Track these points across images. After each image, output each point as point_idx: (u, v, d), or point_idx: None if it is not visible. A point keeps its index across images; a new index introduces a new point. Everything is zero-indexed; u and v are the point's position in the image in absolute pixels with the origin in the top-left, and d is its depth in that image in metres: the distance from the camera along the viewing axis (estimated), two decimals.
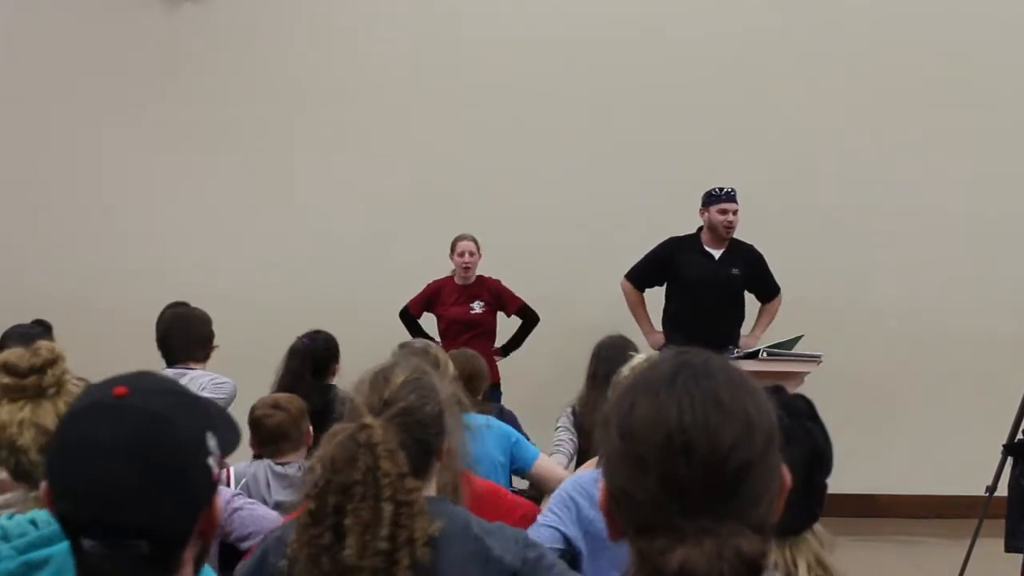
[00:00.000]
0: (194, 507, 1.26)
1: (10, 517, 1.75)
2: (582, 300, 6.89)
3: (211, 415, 1.32)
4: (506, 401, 5.76)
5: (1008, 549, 4.67)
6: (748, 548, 1.03)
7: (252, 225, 7.20)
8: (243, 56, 7.26)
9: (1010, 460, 4.83)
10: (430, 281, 6.46)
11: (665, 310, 6.34)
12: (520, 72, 7.12)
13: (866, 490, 6.64)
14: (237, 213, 7.19)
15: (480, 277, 6.44)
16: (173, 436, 1.23)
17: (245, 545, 2.95)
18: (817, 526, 1.82)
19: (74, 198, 7.20)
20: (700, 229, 6.29)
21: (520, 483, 4.31)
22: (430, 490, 1.98)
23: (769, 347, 5.86)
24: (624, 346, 4.49)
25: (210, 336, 4.50)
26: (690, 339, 6.70)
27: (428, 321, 6.47)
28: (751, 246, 6.30)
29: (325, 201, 7.15)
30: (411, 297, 6.44)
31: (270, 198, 7.20)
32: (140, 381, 1.29)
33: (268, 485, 3.40)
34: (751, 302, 6.37)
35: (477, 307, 6.34)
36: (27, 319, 4.88)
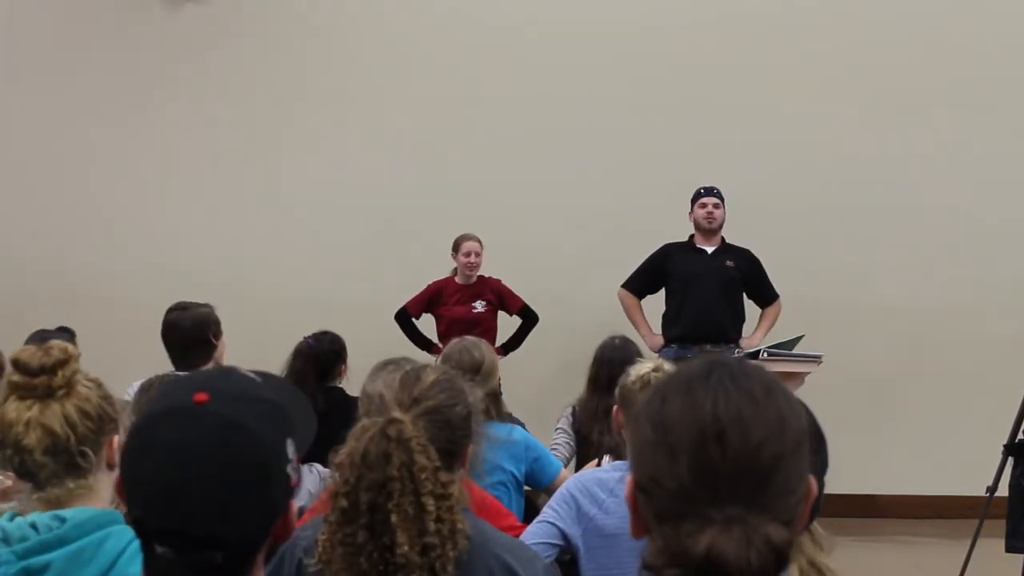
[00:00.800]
0: (271, 517, 1.23)
1: (11, 518, 1.75)
2: (582, 300, 6.89)
3: (290, 419, 1.27)
4: (506, 401, 5.73)
5: (1008, 549, 4.67)
6: (777, 536, 1.03)
7: (251, 225, 7.20)
8: (244, 56, 7.26)
9: (1011, 460, 4.83)
10: (430, 282, 6.46)
11: (664, 313, 6.34)
12: (520, 72, 7.13)
13: (866, 490, 6.65)
14: (237, 213, 7.20)
15: (481, 277, 6.44)
16: (253, 446, 1.20)
17: None
18: (816, 527, 1.81)
19: (74, 198, 7.20)
20: (692, 235, 6.35)
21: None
22: None
23: (770, 347, 5.85)
24: (628, 350, 4.47)
25: (209, 338, 4.41)
26: (689, 337, 6.63)
27: (425, 323, 6.47)
28: (747, 250, 6.31)
29: (325, 201, 7.15)
30: (408, 299, 6.42)
31: (270, 198, 7.21)
32: (221, 384, 1.25)
33: None
34: (751, 307, 6.36)
35: (479, 306, 6.34)
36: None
